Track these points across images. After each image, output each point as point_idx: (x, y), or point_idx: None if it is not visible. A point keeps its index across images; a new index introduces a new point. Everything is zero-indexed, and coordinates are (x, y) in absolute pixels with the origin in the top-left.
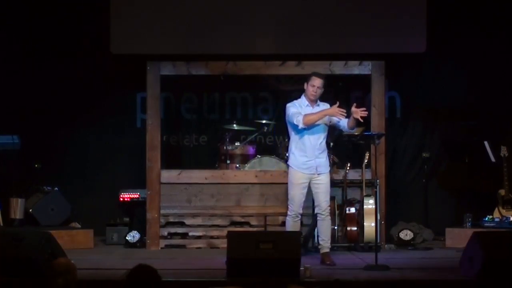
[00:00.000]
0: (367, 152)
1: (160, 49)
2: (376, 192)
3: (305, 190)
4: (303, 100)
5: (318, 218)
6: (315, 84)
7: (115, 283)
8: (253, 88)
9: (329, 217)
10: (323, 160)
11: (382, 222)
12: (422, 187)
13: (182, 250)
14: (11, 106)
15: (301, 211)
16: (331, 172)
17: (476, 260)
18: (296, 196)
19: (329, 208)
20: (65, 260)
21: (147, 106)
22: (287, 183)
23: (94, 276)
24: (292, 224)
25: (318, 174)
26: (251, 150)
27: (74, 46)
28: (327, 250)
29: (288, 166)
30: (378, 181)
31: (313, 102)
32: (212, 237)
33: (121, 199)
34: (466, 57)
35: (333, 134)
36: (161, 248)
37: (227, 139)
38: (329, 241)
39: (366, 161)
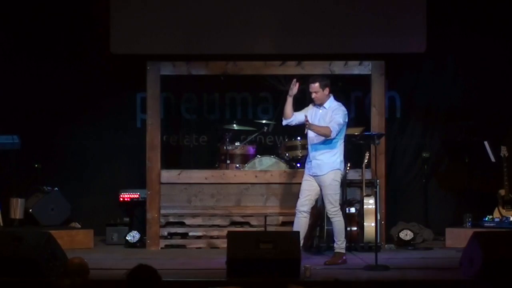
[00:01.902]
0: (367, 152)
1: (160, 49)
2: (376, 192)
3: (311, 188)
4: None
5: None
6: (310, 90)
7: (115, 283)
8: (253, 88)
9: (336, 218)
10: (319, 163)
11: (382, 222)
12: (422, 187)
13: (182, 250)
14: (11, 106)
15: (303, 209)
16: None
17: (476, 260)
18: (300, 191)
19: (334, 208)
20: (78, 260)
21: (147, 106)
22: (287, 183)
23: (94, 276)
24: (295, 221)
25: (314, 176)
26: (251, 150)
27: (74, 46)
28: (337, 250)
29: None
30: (378, 181)
31: (319, 104)
32: (212, 237)
33: (121, 199)
34: (466, 57)
35: None
36: (161, 248)
37: (227, 139)
38: (340, 242)
39: (366, 161)
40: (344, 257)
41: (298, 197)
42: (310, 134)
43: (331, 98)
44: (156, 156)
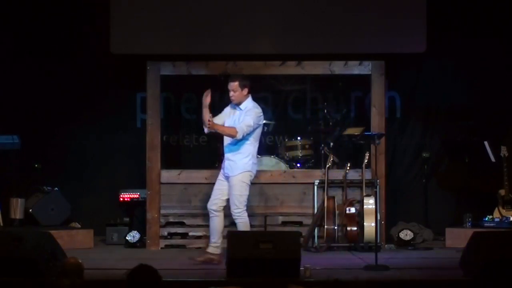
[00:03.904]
0: (367, 152)
1: (160, 49)
2: (376, 192)
3: (222, 188)
4: None
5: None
6: (228, 88)
7: (115, 283)
8: (253, 88)
9: (240, 219)
10: (232, 163)
11: (382, 222)
12: (422, 187)
13: (182, 250)
14: (11, 106)
15: (214, 208)
16: (329, 170)
17: (476, 260)
18: (213, 190)
19: (238, 210)
20: (74, 260)
21: (147, 106)
22: (287, 183)
23: (94, 276)
24: (210, 221)
25: (226, 176)
26: None
27: (74, 46)
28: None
29: None
30: (378, 181)
31: (236, 105)
32: None
33: (121, 199)
34: (466, 57)
35: (333, 134)
36: (161, 248)
37: None
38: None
39: (366, 161)
40: None
41: (298, 197)
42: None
43: (249, 99)
44: (156, 156)
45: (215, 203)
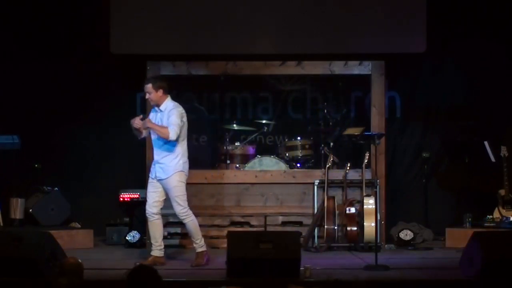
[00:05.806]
0: (367, 152)
1: (160, 49)
2: (376, 192)
3: (157, 190)
4: None
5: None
6: (144, 90)
7: (115, 283)
8: (253, 88)
9: (188, 219)
10: (162, 166)
11: (382, 222)
12: (422, 187)
13: (182, 250)
14: (11, 106)
15: (153, 211)
16: (328, 169)
17: (476, 260)
18: (147, 195)
19: (184, 209)
20: (74, 260)
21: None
22: (287, 183)
23: (94, 276)
24: (149, 225)
25: (158, 179)
26: (251, 150)
27: (74, 46)
28: (199, 250)
29: None
30: (378, 181)
31: (156, 106)
32: (212, 237)
33: (121, 199)
34: (466, 57)
35: (333, 134)
36: None
37: (227, 139)
38: (198, 241)
39: (366, 161)
40: (206, 255)
41: (298, 197)
42: (153, 136)
43: (168, 99)
44: None
45: (155, 205)
